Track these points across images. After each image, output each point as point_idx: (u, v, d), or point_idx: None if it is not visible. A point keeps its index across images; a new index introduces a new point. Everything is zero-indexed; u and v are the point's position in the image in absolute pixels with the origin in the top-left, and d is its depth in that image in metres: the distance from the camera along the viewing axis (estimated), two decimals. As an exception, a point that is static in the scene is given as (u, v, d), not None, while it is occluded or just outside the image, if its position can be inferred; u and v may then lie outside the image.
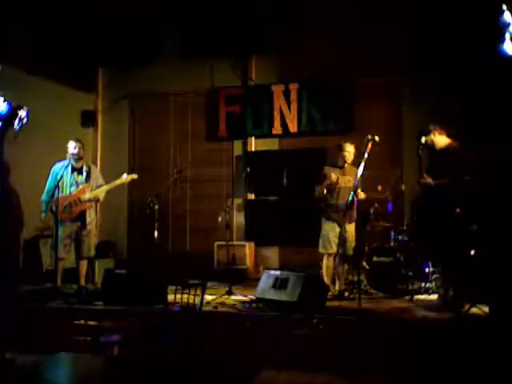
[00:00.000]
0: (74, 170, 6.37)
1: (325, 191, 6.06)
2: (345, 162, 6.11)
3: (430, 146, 5.47)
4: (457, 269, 5.27)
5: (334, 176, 6.02)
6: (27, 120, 4.05)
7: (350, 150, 6.09)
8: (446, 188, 5.17)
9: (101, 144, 9.17)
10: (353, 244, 6.07)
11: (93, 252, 6.52)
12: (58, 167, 6.36)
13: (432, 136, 5.44)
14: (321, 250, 6.12)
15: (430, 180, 5.29)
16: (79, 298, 5.88)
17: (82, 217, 6.34)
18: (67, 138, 6.52)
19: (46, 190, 6.30)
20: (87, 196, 6.33)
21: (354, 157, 6.11)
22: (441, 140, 5.43)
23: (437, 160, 5.43)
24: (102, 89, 9.25)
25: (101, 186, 6.45)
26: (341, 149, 6.13)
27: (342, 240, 5.96)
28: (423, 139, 5.42)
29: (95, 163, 8.91)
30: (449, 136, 5.47)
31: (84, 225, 6.34)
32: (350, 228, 6.08)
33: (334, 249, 6.01)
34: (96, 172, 6.63)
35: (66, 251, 6.27)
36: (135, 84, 8.96)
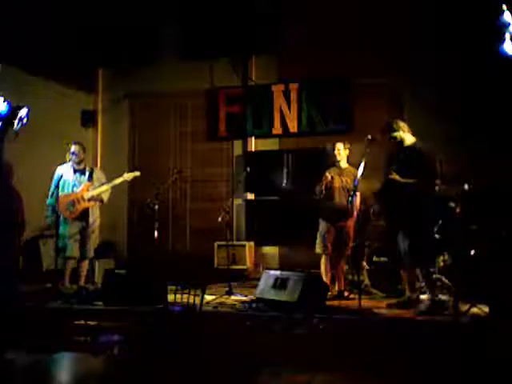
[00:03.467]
0: (76, 171, 6.37)
1: (323, 189, 6.08)
2: (337, 160, 6.15)
3: (398, 142, 5.37)
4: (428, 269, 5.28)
5: (327, 175, 6.07)
6: (27, 120, 4.06)
7: (339, 147, 6.14)
8: (411, 187, 5.08)
9: (101, 144, 9.18)
10: (349, 243, 6.04)
11: (92, 253, 6.52)
12: (60, 170, 6.36)
13: (401, 132, 5.33)
14: (317, 250, 6.12)
15: (397, 177, 5.24)
16: (79, 298, 5.87)
17: (85, 216, 6.33)
18: (67, 138, 6.53)
19: (50, 194, 6.30)
20: (90, 194, 6.33)
21: (348, 156, 6.16)
22: (407, 138, 5.33)
23: (402, 157, 5.32)
24: (102, 89, 9.25)
25: (104, 184, 6.45)
26: (332, 148, 6.21)
27: (337, 240, 6.00)
28: (394, 134, 5.32)
29: (95, 163, 8.92)
30: (413, 134, 5.37)
31: (87, 225, 6.33)
32: (348, 223, 6.03)
33: (329, 249, 6.03)
34: (99, 173, 6.62)
35: (75, 250, 6.27)
36: (135, 84, 8.96)
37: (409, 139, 5.34)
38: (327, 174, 6.08)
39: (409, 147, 5.32)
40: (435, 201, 5.30)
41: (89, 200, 6.33)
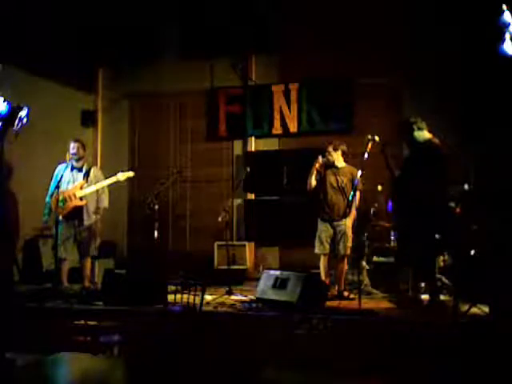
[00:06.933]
0: (73, 168, 6.37)
1: (313, 182, 6.07)
2: (330, 161, 6.12)
3: (411, 142, 5.34)
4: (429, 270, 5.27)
5: (320, 158, 6.06)
6: (27, 120, 4.05)
7: (329, 150, 6.13)
8: (424, 188, 5.07)
9: (101, 144, 9.18)
10: (348, 243, 6.01)
11: (93, 252, 6.51)
12: (60, 168, 6.36)
13: (422, 131, 5.26)
14: (316, 250, 6.12)
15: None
16: (79, 298, 5.88)
17: (78, 215, 6.31)
18: (67, 138, 6.53)
19: (49, 193, 6.30)
20: (82, 192, 6.29)
21: (345, 156, 6.15)
22: (420, 135, 5.27)
23: (416, 158, 5.28)
24: (102, 89, 9.25)
25: (96, 183, 6.40)
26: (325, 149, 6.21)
27: (336, 240, 6.00)
28: (417, 134, 5.25)
29: (95, 163, 8.91)
30: (430, 131, 5.30)
31: (81, 223, 6.31)
32: (345, 223, 6.02)
33: (327, 249, 6.03)
34: (97, 172, 6.58)
35: (67, 252, 6.28)
36: (135, 84, 8.96)
37: (422, 137, 5.27)
38: (319, 157, 6.06)
39: (425, 144, 5.24)
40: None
41: (80, 198, 6.29)
